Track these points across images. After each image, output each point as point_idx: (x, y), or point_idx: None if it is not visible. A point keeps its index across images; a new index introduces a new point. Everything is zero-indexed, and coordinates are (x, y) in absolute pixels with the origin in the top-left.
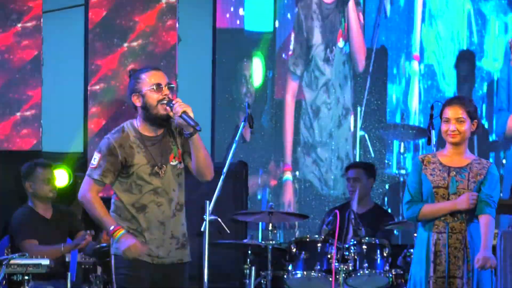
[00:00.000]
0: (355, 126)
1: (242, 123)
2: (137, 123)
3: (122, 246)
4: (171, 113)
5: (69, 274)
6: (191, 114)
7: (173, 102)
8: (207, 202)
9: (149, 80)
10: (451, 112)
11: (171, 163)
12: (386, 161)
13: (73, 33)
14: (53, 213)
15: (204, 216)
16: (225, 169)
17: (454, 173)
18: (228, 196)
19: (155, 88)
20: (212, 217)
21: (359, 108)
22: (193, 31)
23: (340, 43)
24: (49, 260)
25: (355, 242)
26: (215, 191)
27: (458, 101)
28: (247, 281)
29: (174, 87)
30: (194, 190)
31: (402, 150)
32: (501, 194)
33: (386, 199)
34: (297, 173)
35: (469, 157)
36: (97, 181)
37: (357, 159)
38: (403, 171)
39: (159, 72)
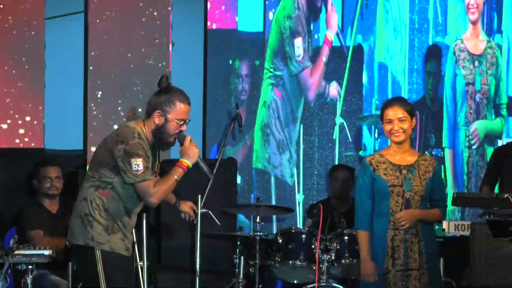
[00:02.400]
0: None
1: (232, 122)
2: (145, 131)
3: (193, 153)
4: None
5: (70, 263)
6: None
7: (189, 138)
8: (199, 196)
9: (180, 112)
10: (392, 113)
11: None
12: (362, 145)
13: (73, 37)
14: (59, 208)
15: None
16: (216, 165)
17: (405, 171)
18: (219, 190)
19: (180, 122)
20: (204, 210)
21: (338, 99)
22: (185, 33)
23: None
24: (51, 250)
25: (337, 233)
26: (206, 186)
27: (397, 102)
28: (236, 270)
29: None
30: (187, 185)
31: (376, 136)
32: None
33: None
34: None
35: (413, 153)
36: (152, 180)
37: (337, 145)
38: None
39: (189, 107)
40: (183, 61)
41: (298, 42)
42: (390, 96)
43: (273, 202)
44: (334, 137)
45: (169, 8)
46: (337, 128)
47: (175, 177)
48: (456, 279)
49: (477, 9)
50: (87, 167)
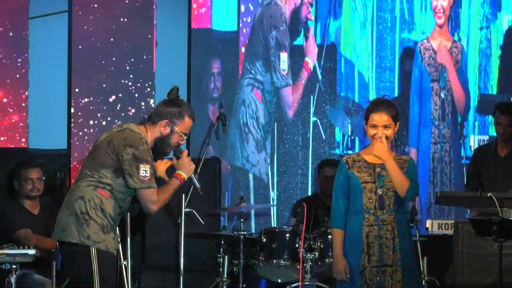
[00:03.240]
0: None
1: (216, 122)
2: (147, 137)
3: (190, 168)
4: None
5: (53, 263)
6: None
7: (186, 152)
8: (183, 195)
9: (187, 126)
10: (378, 119)
11: None
12: (336, 143)
13: (57, 37)
14: (40, 209)
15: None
16: (200, 165)
17: (379, 169)
18: (202, 189)
19: (183, 136)
20: (188, 210)
21: (312, 97)
22: (169, 33)
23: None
24: (35, 250)
25: (320, 232)
26: (190, 186)
27: (384, 107)
28: (220, 269)
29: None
30: None
31: (350, 133)
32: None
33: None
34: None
35: (390, 153)
36: (156, 187)
37: (311, 142)
38: (350, 152)
39: (193, 123)
40: (167, 60)
41: (284, 56)
42: (357, 94)
43: (252, 201)
44: (308, 135)
45: (153, 7)
46: (311, 126)
47: (173, 187)
48: (439, 278)
49: (443, 14)
50: (70, 166)
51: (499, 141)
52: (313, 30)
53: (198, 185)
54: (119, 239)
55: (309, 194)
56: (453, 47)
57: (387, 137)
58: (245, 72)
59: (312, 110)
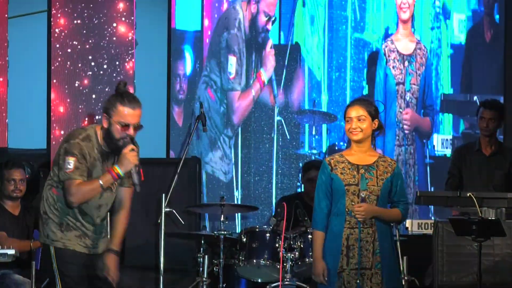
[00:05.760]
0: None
1: (196, 121)
2: (100, 135)
3: (127, 162)
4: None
5: (33, 263)
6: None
7: (131, 146)
8: (163, 195)
9: (121, 115)
10: (352, 112)
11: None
12: (300, 143)
13: (36, 36)
14: (20, 210)
15: (161, 208)
16: (180, 164)
17: (363, 170)
18: (183, 189)
19: (121, 126)
20: (168, 209)
21: (276, 97)
22: (148, 33)
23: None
24: (15, 250)
25: (300, 232)
26: (170, 185)
27: (359, 102)
28: (200, 269)
29: (142, 127)
30: (151, 184)
31: (314, 133)
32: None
33: (299, 176)
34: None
35: (374, 154)
36: (77, 180)
37: (274, 142)
38: (314, 151)
39: (135, 111)
40: (147, 60)
41: (233, 60)
42: (307, 93)
43: (205, 197)
44: (272, 135)
45: (133, 8)
46: (275, 125)
47: (101, 182)
48: (419, 278)
49: (409, 9)
50: (50, 165)
51: (482, 139)
52: (271, 43)
53: (136, 181)
54: (96, 238)
55: (274, 193)
56: (417, 49)
57: (361, 130)
58: (203, 69)
59: (276, 109)
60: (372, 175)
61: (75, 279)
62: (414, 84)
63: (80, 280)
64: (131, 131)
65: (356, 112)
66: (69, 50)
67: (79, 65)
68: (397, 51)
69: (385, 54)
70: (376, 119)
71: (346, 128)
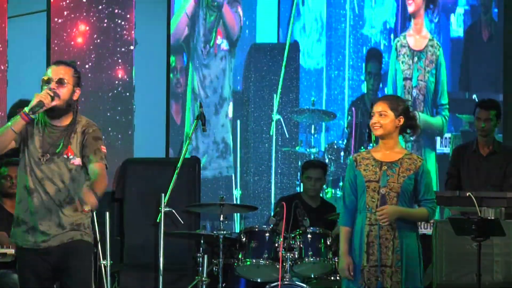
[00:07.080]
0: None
1: (195, 121)
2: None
3: (34, 99)
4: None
5: None
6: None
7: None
8: (163, 195)
9: (44, 74)
10: (375, 107)
11: (64, 156)
12: (299, 141)
13: (36, 36)
14: None
15: (160, 208)
16: (179, 164)
17: (386, 167)
18: (182, 189)
19: (42, 83)
20: (167, 209)
21: (274, 95)
22: (149, 33)
23: (218, 40)
24: (14, 250)
25: (300, 231)
26: (170, 185)
27: (384, 97)
28: (200, 268)
29: (64, 80)
30: (150, 184)
31: (313, 131)
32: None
33: (298, 174)
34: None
35: (400, 151)
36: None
37: (273, 141)
38: (313, 150)
39: (53, 67)
40: (146, 59)
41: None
42: (306, 92)
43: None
44: (271, 133)
45: (132, 7)
46: (273, 124)
47: (9, 125)
48: None
49: (414, 1)
50: None
51: (480, 139)
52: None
53: (33, 107)
54: (38, 232)
55: (273, 192)
56: (429, 45)
57: (381, 125)
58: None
59: (275, 108)
60: (394, 172)
61: (24, 276)
62: (422, 81)
63: (29, 277)
64: (53, 85)
65: (378, 107)
66: (68, 50)
67: (79, 61)
68: (408, 47)
69: (396, 49)
70: (401, 117)
71: (370, 124)
